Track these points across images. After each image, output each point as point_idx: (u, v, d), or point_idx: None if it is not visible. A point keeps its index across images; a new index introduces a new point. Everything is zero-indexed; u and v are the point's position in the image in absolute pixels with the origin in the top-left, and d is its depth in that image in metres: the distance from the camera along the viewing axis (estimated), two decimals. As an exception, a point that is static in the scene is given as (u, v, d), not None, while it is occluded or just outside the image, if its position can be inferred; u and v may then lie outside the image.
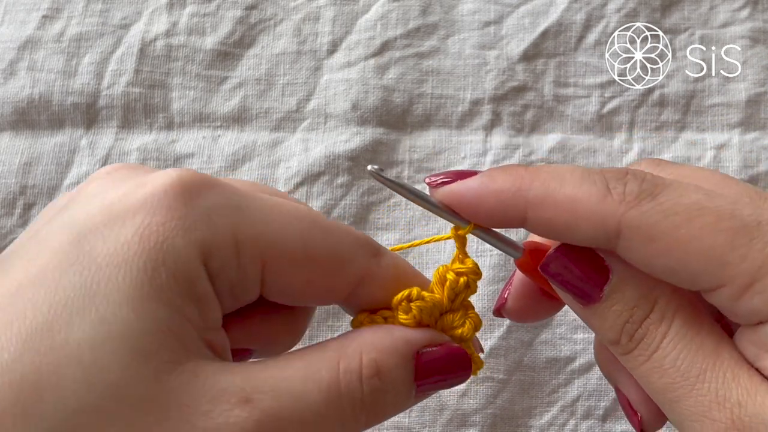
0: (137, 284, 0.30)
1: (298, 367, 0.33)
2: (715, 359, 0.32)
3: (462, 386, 0.48)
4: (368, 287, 0.37)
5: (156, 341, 0.30)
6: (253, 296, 0.36)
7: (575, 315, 0.49)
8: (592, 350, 0.49)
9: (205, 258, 0.32)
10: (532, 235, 0.40)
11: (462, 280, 0.37)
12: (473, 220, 0.36)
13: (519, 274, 0.41)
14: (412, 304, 0.36)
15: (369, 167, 0.36)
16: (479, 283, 0.49)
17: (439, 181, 0.36)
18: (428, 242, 0.41)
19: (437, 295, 0.37)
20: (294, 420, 0.31)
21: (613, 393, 0.48)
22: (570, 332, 0.50)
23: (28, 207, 0.52)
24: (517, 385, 0.48)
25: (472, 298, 0.49)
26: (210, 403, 0.30)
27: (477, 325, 0.37)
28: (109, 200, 0.32)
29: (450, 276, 0.37)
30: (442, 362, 0.36)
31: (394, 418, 0.47)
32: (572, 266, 0.35)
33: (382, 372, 0.33)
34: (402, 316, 0.36)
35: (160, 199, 0.32)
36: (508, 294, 0.42)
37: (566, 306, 0.49)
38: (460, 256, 0.38)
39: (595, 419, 0.48)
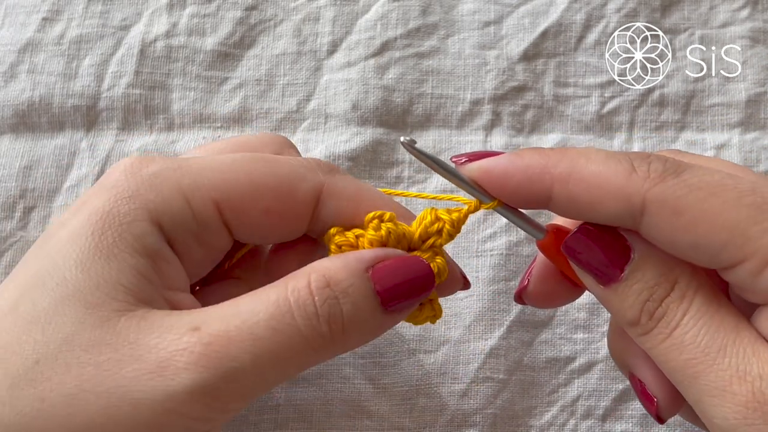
0: (86, 249, 0.34)
1: (246, 297, 0.35)
2: (735, 335, 0.33)
3: (462, 386, 0.48)
4: (330, 202, 0.38)
5: (104, 294, 0.33)
6: (223, 241, 0.38)
7: (575, 315, 0.49)
8: (592, 350, 0.49)
9: (155, 216, 0.35)
10: (555, 217, 0.41)
11: (438, 224, 0.38)
12: (500, 196, 0.37)
13: (540, 258, 0.41)
14: (383, 224, 0.38)
15: (402, 138, 0.38)
16: (480, 284, 0.49)
17: (465, 159, 0.37)
18: (445, 199, 0.42)
19: (410, 228, 0.39)
20: (244, 337, 0.33)
21: (613, 393, 0.48)
22: (570, 332, 0.50)
23: (28, 210, 0.51)
24: (517, 385, 0.48)
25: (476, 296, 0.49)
26: (159, 338, 0.32)
27: (441, 271, 0.38)
28: (77, 202, 0.37)
29: (430, 217, 0.39)
30: (398, 268, 0.36)
31: (394, 418, 0.47)
32: (594, 245, 0.36)
33: (332, 282, 0.35)
34: (371, 233, 0.38)
35: (108, 182, 0.36)
36: (529, 278, 0.42)
37: (566, 306, 0.50)
38: (458, 210, 0.39)
39: (595, 419, 0.48)
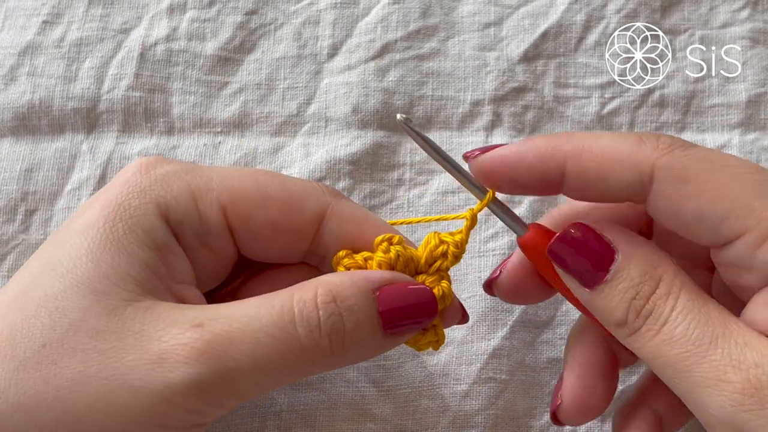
0: (97, 239, 0.35)
1: (252, 301, 0.36)
2: (724, 328, 0.33)
3: (465, 387, 0.48)
4: (333, 224, 0.39)
5: (112, 283, 0.34)
6: (227, 248, 0.39)
7: (576, 315, 0.50)
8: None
9: (164, 211, 0.37)
10: (547, 215, 0.42)
11: (442, 247, 0.39)
12: (512, 180, 0.38)
13: (518, 253, 0.42)
14: (392, 246, 0.39)
15: (398, 116, 0.39)
16: (481, 285, 0.49)
17: (479, 152, 0.39)
18: (440, 219, 0.43)
19: (417, 252, 0.40)
20: (245, 340, 0.34)
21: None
22: (570, 332, 0.50)
23: (30, 213, 0.51)
24: (518, 386, 0.49)
25: (469, 292, 0.49)
26: (162, 330, 0.34)
27: (446, 295, 0.39)
28: (93, 196, 0.39)
29: (434, 240, 0.40)
30: (403, 294, 0.37)
31: (396, 420, 0.47)
32: (577, 249, 0.37)
33: (338, 298, 0.35)
34: (380, 255, 0.39)
35: (122, 178, 0.38)
36: (502, 270, 0.43)
37: (567, 306, 0.50)
38: (459, 231, 0.40)
39: (593, 419, 0.48)
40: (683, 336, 0.33)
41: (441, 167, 0.41)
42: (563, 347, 0.49)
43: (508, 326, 0.49)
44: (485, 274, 0.50)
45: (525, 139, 0.38)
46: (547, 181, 0.37)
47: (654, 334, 0.34)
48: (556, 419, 0.42)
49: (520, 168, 0.37)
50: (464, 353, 0.49)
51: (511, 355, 0.49)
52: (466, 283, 0.50)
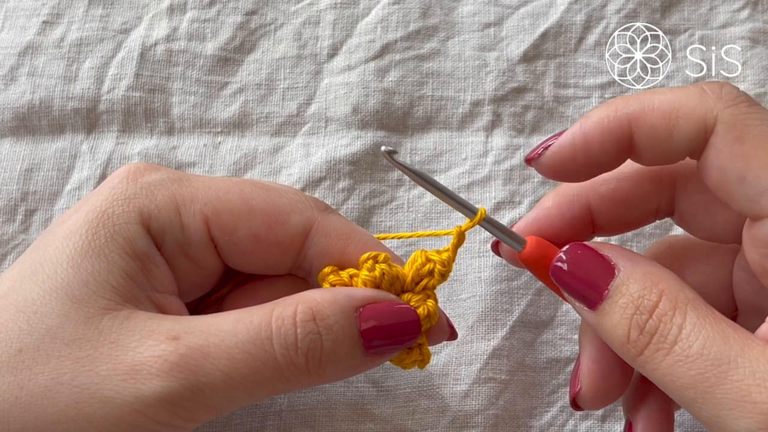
0: (78, 246, 0.35)
1: (231, 315, 0.35)
2: (742, 345, 0.31)
3: (465, 387, 0.48)
4: (319, 239, 0.39)
5: (91, 290, 0.34)
6: (210, 259, 0.39)
7: (576, 315, 0.50)
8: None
9: (146, 220, 0.37)
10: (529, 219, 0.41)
11: (428, 265, 0.39)
12: (586, 165, 0.37)
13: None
14: (377, 264, 0.38)
15: (383, 148, 0.38)
16: (482, 284, 0.50)
17: (540, 150, 0.38)
18: (428, 235, 0.43)
19: (402, 270, 0.39)
20: (220, 355, 0.34)
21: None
22: (570, 332, 0.50)
23: (30, 213, 0.52)
24: (518, 386, 0.49)
25: (467, 296, 0.49)
26: (138, 341, 0.34)
27: (431, 315, 0.39)
28: (80, 201, 0.39)
29: (420, 258, 0.39)
30: (386, 313, 0.37)
31: (396, 420, 0.47)
32: (577, 269, 0.36)
33: (318, 317, 0.35)
34: (365, 273, 0.38)
35: (109, 184, 0.38)
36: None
37: (567, 306, 0.50)
38: (446, 249, 0.40)
39: (594, 419, 0.48)
40: (700, 355, 0.31)
41: (434, 183, 0.40)
42: (563, 347, 0.49)
43: (508, 326, 0.49)
44: (485, 275, 0.50)
45: (582, 117, 0.37)
46: (619, 151, 0.36)
47: (665, 353, 0.32)
48: (576, 405, 0.41)
49: (590, 149, 0.36)
50: (464, 353, 0.49)
51: (511, 355, 0.49)
52: (466, 284, 0.50)
